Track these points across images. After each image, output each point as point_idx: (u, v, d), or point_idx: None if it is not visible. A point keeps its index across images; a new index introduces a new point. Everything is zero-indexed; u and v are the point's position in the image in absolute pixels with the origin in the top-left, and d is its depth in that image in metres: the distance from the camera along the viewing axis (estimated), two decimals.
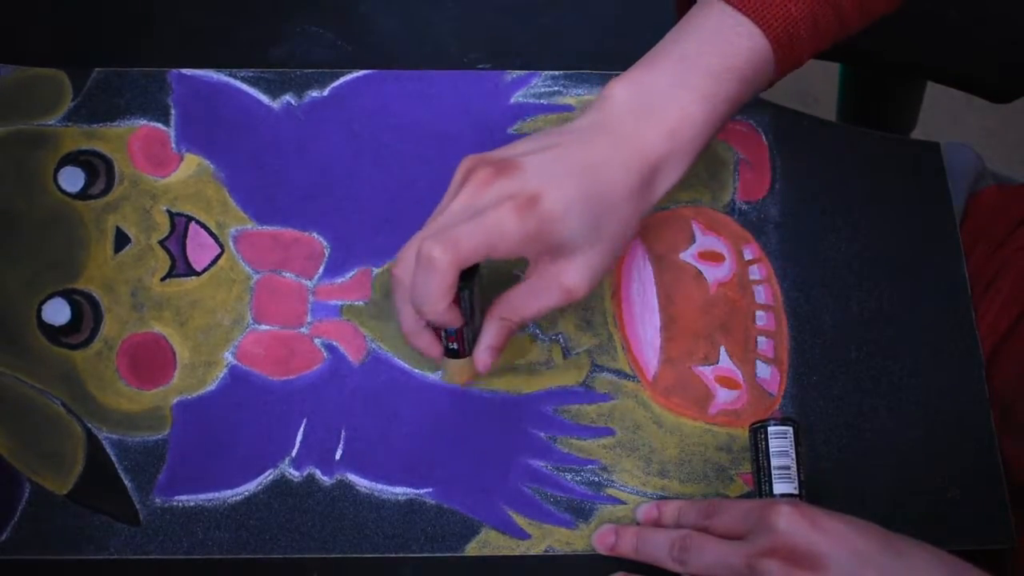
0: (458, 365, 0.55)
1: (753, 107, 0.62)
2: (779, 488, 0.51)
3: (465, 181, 0.49)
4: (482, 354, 0.52)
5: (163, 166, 0.60)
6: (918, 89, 0.91)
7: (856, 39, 0.54)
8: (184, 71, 0.62)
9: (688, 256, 0.59)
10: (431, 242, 0.47)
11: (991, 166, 0.69)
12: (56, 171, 0.60)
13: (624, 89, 0.50)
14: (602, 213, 0.49)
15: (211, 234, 0.59)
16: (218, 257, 0.59)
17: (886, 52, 0.74)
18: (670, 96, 0.50)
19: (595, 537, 0.53)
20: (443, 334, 0.52)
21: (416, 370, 0.57)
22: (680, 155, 0.50)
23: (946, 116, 1.32)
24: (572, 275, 0.50)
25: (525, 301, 0.51)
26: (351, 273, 0.58)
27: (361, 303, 0.58)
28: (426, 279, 0.47)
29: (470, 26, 0.65)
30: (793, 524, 0.45)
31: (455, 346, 0.53)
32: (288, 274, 0.58)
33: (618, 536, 0.53)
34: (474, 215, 0.47)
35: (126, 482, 0.54)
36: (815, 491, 0.55)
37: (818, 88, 1.29)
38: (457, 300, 0.49)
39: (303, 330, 0.57)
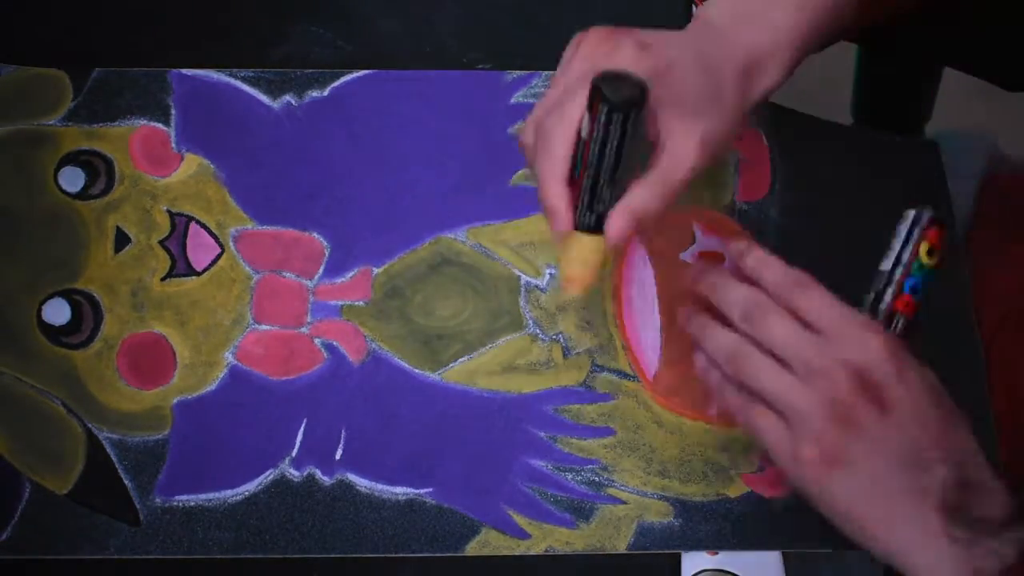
0: (588, 244, 0.48)
1: None
2: None
3: (579, 45, 0.50)
4: (618, 217, 0.47)
5: (163, 166, 0.60)
6: (933, 79, 0.91)
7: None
8: (184, 71, 0.62)
9: (688, 256, 0.59)
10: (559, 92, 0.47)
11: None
12: (56, 171, 0.60)
13: (717, 3, 0.51)
14: (715, 80, 0.49)
15: (211, 234, 0.59)
16: (218, 257, 0.59)
17: (902, 36, 0.74)
18: (766, 7, 0.50)
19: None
20: (585, 190, 0.47)
21: (416, 370, 0.57)
22: (779, 56, 0.50)
23: (946, 116, 1.32)
24: (702, 132, 0.48)
25: (673, 167, 0.48)
26: (351, 273, 0.59)
27: (361, 303, 0.58)
28: (558, 119, 0.47)
29: (470, 26, 0.65)
30: (883, 358, 0.43)
31: (596, 210, 0.47)
32: (288, 274, 0.58)
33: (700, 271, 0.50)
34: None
35: (126, 482, 0.54)
36: None
37: (816, 89, 1.29)
38: (606, 132, 0.46)
39: (303, 330, 0.57)
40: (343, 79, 0.62)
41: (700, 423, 0.56)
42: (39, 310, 0.57)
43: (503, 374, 0.57)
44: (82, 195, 0.59)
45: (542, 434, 0.56)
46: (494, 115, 0.62)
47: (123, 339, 0.57)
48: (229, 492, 0.54)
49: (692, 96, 0.48)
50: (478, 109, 0.62)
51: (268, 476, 0.55)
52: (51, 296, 0.57)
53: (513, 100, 0.62)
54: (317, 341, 0.57)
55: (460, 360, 0.57)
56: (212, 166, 0.60)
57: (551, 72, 0.62)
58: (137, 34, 0.64)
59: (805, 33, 0.51)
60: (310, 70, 0.63)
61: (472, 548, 0.54)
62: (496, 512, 0.54)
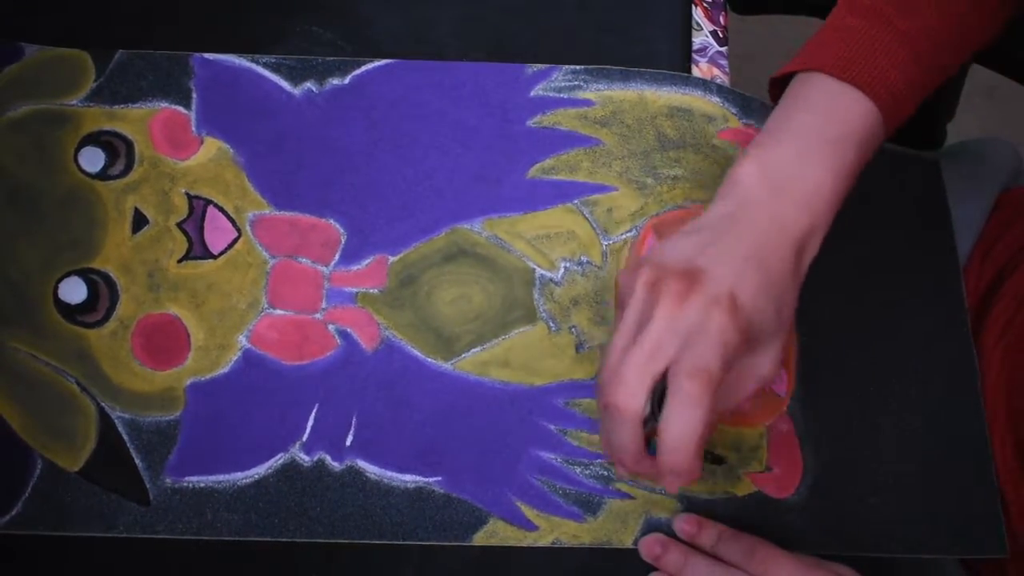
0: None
1: (763, 113, 0.62)
2: None
3: (656, 295, 0.47)
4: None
5: (183, 149, 0.61)
6: (959, 76, 0.91)
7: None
8: (207, 55, 0.62)
9: None
10: (687, 380, 0.45)
11: None
12: (77, 151, 0.60)
13: (751, 170, 0.50)
14: (778, 297, 0.48)
15: (229, 218, 0.59)
16: (235, 241, 0.59)
17: None
18: (797, 171, 0.50)
19: (642, 544, 0.54)
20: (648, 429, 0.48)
21: (429, 359, 0.57)
22: (819, 228, 0.50)
23: (956, 116, 1.33)
24: (767, 364, 0.49)
25: (723, 397, 0.49)
26: (367, 261, 0.59)
27: (376, 291, 0.58)
28: (685, 418, 0.45)
29: (470, 25, 0.65)
30: None
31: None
32: (304, 260, 0.59)
33: (664, 550, 0.53)
34: (693, 335, 0.46)
35: (137, 461, 0.55)
36: (819, 493, 0.55)
37: None
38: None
39: (317, 316, 0.58)
40: (364, 67, 0.63)
41: None
42: (55, 288, 0.57)
43: (515, 366, 0.57)
44: (101, 175, 0.60)
45: (552, 427, 0.56)
46: (514, 107, 0.62)
47: (138, 319, 0.57)
48: (239, 475, 0.55)
49: (762, 333, 0.48)
50: (499, 101, 0.62)
51: (278, 460, 0.55)
52: (68, 275, 0.58)
53: (533, 93, 0.62)
54: (331, 327, 0.57)
55: (473, 351, 0.57)
56: (231, 150, 0.61)
57: (572, 67, 0.63)
58: (135, 31, 0.64)
59: (839, 181, 0.50)
60: (332, 58, 0.63)
61: (479, 538, 0.54)
62: (504, 503, 0.55)
